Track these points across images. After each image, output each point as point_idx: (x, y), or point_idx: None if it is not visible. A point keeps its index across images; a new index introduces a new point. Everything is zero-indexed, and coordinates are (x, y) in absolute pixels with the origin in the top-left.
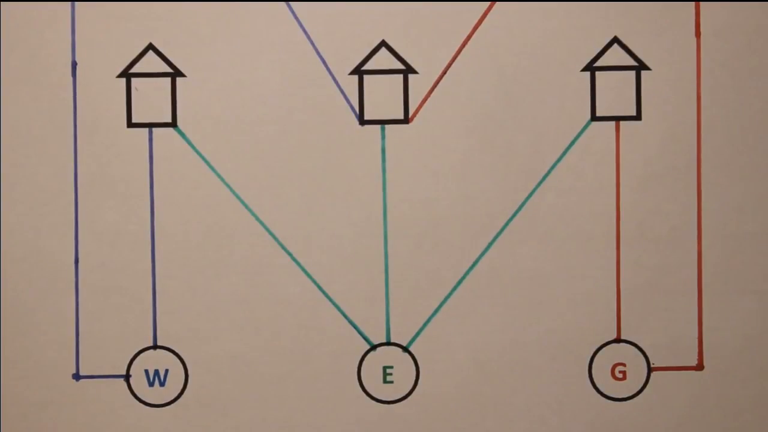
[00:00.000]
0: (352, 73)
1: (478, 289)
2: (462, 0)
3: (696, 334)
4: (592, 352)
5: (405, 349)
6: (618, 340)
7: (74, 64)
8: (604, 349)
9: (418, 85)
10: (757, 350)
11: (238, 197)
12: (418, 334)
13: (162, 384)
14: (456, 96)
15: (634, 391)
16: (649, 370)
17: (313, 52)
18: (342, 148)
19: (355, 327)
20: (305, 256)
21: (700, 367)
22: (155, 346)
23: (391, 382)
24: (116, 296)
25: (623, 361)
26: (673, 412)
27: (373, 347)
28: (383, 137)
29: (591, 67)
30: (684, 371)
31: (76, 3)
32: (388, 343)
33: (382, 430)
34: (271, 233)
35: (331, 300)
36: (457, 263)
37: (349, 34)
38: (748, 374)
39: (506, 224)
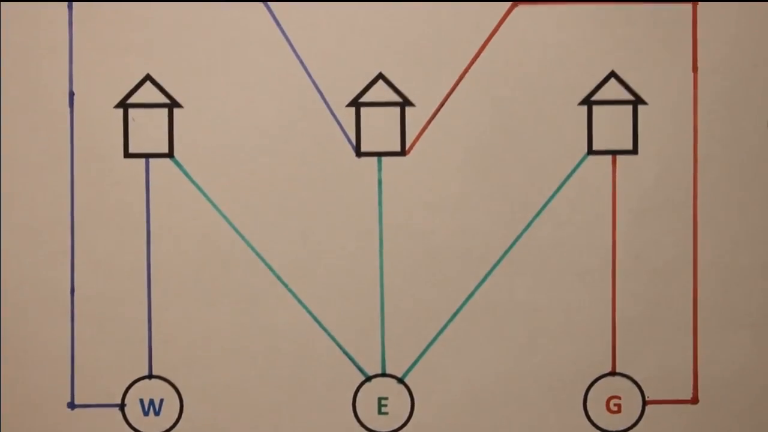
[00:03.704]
0: (350, 105)
1: (473, 321)
2: (471, 10)
3: (691, 368)
4: (587, 385)
5: (400, 380)
6: (613, 373)
7: (71, 94)
8: (599, 381)
9: (415, 117)
10: (752, 384)
11: (234, 228)
12: (413, 365)
13: (157, 413)
14: (453, 129)
15: (629, 424)
16: (644, 403)
17: (311, 83)
18: (339, 180)
19: (350, 358)
20: (301, 287)
21: (695, 400)
22: (150, 376)
23: (386, 413)
24: (111, 325)
25: (618, 394)
26: None
27: (368, 378)
28: (380, 169)
29: (588, 101)
30: (679, 405)
31: (74, 32)
32: (383, 375)
33: None
34: (267, 264)
35: (326, 331)
36: (452, 295)
37: (346, 66)
38: (742, 408)
39: (502, 256)
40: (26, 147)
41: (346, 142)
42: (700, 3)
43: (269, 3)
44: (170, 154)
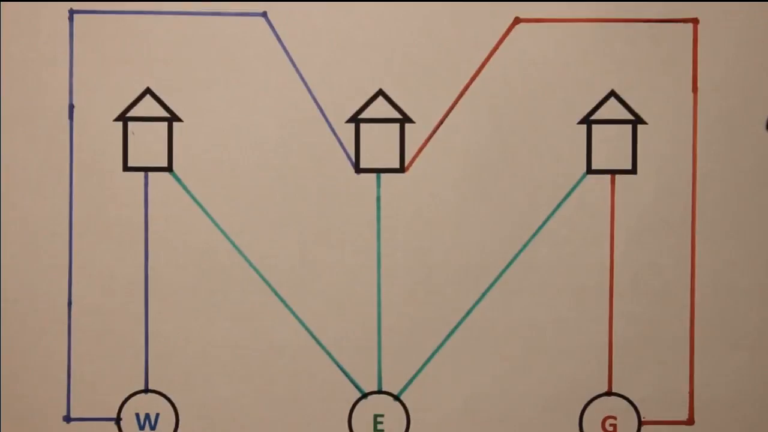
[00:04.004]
0: (349, 121)
1: (470, 339)
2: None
3: (687, 389)
4: (583, 405)
5: (396, 397)
6: (609, 393)
7: (71, 107)
8: (595, 401)
9: (414, 134)
10: (747, 405)
11: (232, 243)
12: (409, 383)
13: (152, 428)
14: (452, 146)
15: None
16: (640, 423)
17: (311, 99)
18: (338, 196)
19: (347, 375)
20: (298, 303)
21: (690, 421)
22: (146, 390)
23: (382, 430)
24: (108, 339)
25: (614, 414)
26: None
27: (365, 395)
28: (379, 186)
29: (587, 120)
30: (675, 426)
31: (75, 45)
32: (380, 392)
33: None
34: (264, 279)
35: (323, 347)
36: (449, 313)
37: (346, 83)
38: (738, 429)
39: (500, 275)
40: (26, 159)
41: (346, 158)
42: (700, 23)
43: (270, 18)
44: (169, 168)
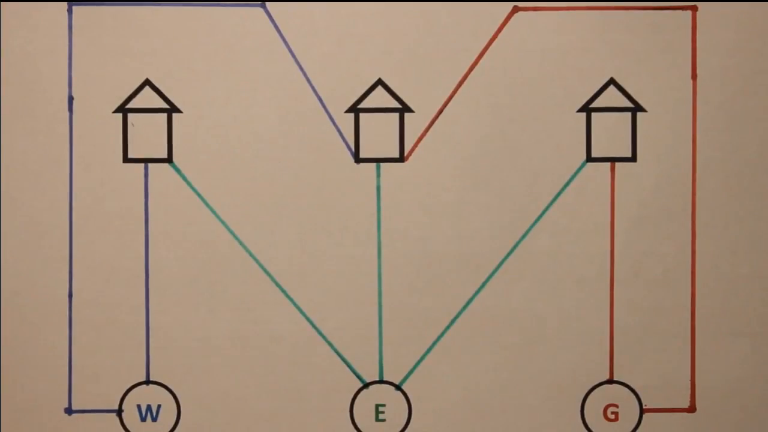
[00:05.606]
0: (348, 111)
1: (471, 329)
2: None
3: (689, 376)
4: (584, 393)
5: (398, 387)
6: (610, 381)
7: (71, 99)
8: (596, 389)
9: (414, 123)
10: (749, 393)
11: (232, 234)
12: (410, 372)
13: (154, 419)
14: (452, 135)
15: None
16: (642, 411)
17: (310, 89)
18: (337, 186)
19: (348, 365)
20: (299, 294)
21: (692, 409)
22: (148, 382)
23: (384, 420)
24: (109, 331)
25: (615, 402)
26: None
27: (366, 385)
28: (378, 175)
29: (587, 108)
30: (676, 413)
31: (74, 37)
32: (381, 381)
33: None
34: (265, 270)
35: (324, 337)
36: (450, 302)
37: (345, 72)
38: (740, 417)
39: (500, 264)
40: (25, 151)
41: (345, 148)
42: (699, 10)
43: (268, 8)
44: (169, 160)
